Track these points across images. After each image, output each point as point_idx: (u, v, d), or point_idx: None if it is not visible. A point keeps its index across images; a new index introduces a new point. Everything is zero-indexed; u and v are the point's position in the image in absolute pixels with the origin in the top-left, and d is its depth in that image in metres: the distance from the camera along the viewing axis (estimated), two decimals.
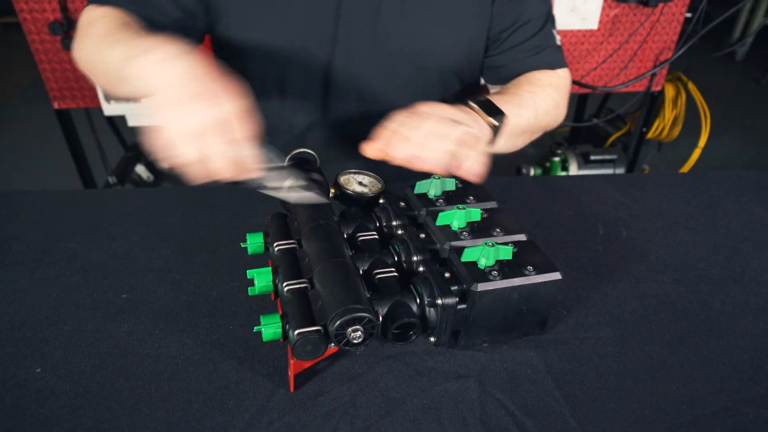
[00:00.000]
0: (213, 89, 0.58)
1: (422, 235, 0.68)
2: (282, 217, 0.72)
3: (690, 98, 2.31)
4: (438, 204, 0.71)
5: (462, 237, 0.65)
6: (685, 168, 2.40)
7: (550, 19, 0.94)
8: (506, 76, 0.94)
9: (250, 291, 0.65)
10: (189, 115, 0.57)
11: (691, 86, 2.27)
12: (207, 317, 0.69)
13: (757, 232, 0.89)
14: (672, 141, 2.47)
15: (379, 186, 0.77)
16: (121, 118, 2.09)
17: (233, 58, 0.90)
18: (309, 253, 0.63)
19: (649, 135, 2.41)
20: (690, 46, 1.93)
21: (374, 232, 0.70)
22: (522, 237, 0.67)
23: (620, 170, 2.37)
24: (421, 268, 0.64)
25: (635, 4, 1.85)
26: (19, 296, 0.73)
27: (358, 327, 0.54)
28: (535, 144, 1.00)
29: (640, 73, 2.01)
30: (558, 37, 0.95)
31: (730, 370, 0.64)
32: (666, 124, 2.39)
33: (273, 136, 0.99)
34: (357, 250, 0.67)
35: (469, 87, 0.99)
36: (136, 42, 0.66)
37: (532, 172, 2.41)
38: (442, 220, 0.66)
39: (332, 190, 0.76)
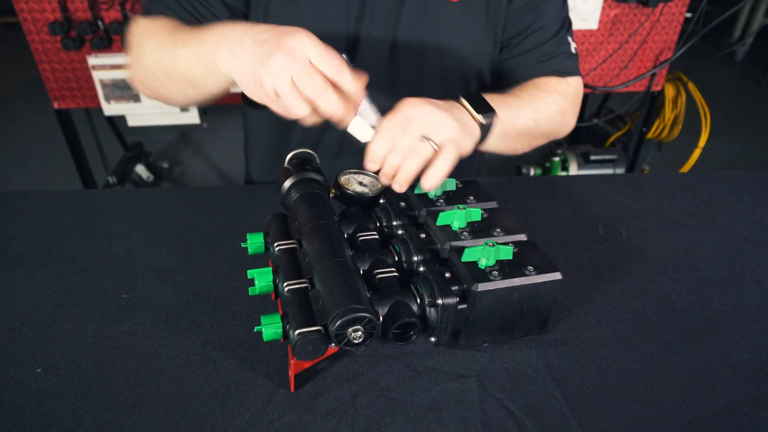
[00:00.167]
0: (282, 38, 0.59)
1: (422, 235, 0.68)
2: (282, 217, 0.72)
3: (690, 98, 2.31)
4: (438, 204, 0.71)
5: (462, 237, 0.65)
6: (685, 168, 2.40)
7: (565, 26, 0.92)
8: (515, 81, 0.92)
9: (251, 291, 0.65)
10: (279, 70, 0.58)
11: (691, 86, 2.27)
12: (207, 317, 0.69)
13: (757, 232, 0.89)
14: (672, 141, 2.47)
15: (380, 186, 0.77)
16: (121, 118, 2.09)
17: None
18: (309, 253, 0.63)
19: (649, 135, 2.41)
20: (690, 46, 1.93)
21: (374, 232, 0.70)
22: (522, 237, 0.67)
23: (620, 170, 2.38)
24: (421, 268, 0.64)
25: (635, 4, 1.86)
26: (19, 296, 0.73)
27: (358, 327, 0.54)
28: None
29: (640, 73, 2.01)
30: (573, 45, 0.93)
31: (730, 370, 0.64)
32: (666, 124, 2.39)
33: (288, 137, 1.00)
34: (357, 250, 0.67)
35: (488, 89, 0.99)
36: (197, 35, 0.70)
37: (532, 172, 2.41)
38: (442, 220, 0.67)
39: (332, 190, 0.76)
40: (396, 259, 0.67)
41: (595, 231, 0.88)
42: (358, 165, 1.00)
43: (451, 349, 0.65)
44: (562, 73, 0.91)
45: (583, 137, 2.63)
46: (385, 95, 0.92)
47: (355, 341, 0.55)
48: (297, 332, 0.54)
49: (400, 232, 0.71)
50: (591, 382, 0.62)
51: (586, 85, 1.98)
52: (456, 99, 0.73)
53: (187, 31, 0.73)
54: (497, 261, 0.61)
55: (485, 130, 0.72)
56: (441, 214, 0.67)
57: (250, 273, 0.65)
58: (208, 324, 0.68)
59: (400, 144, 0.63)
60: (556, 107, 0.86)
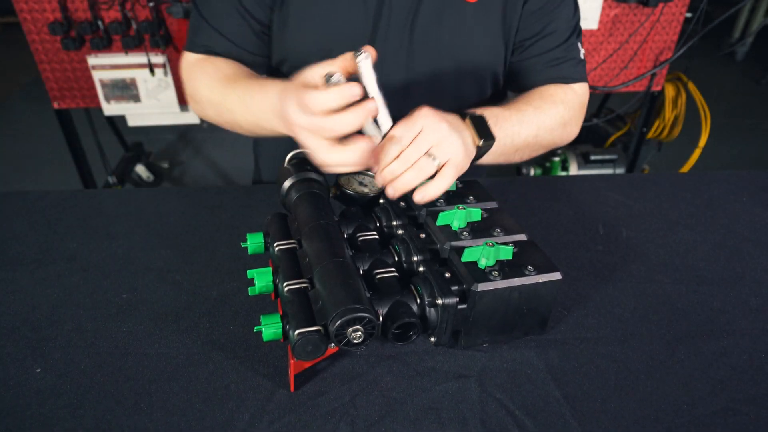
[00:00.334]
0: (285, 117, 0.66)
1: (422, 235, 0.68)
2: (282, 217, 0.72)
3: (690, 98, 2.31)
4: (438, 204, 0.71)
5: (462, 237, 0.65)
6: (685, 168, 2.40)
7: (575, 32, 0.92)
8: (522, 85, 0.93)
9: (250, 291, 0.65)
10: (304, 143, 0.65)
11: (691, 86, 2.27)
12: (207, 317, 0.69)
13: (757, 232, 0.89)
14: (672, 141, 2.47)
15: (380, 186, 0.76)
16: (121, 118, 2.09)
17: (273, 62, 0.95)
18: (309, 253, 0.63)
19: (649, 135, 2.41)
20: (690, 46, 1.93)
21: (374, 232, 0.70)
22: (522, 237, 0.67)
23: (620, 170, 2.38)
24: (421, 268, 0.64)
25: (635, 4, 1.86)
26: (19, 296, 0.73)
27: (358, 327, 0.54)
28: None
29: (640, 73, 2.01)
30: (582, 51, 0.93)
31: (730, 370, 0.64)
32: (666, 124, 2.39)
33: None
34: (357, 250, 0.67)
35: (500, 90, 0.99)
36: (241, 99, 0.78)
37: (532, 172, 2.41)
38: (442, 220, 0.67)
39: (332, 190, 0.76)
40: (396, 259, 0.67)
41: (595, 231, 0.88)
42: None
43: (451, 349, 0.65)
44: (570, 79, 0.90)
45: (583, 137, 2.63)
46: (399, 94, 0.93)
47: (355, 341, 0.55)
48: (297, 332, 0.54)
49: (400, 232, 0.71)
50: (591, 382, 0.62)
51: None
52: (462, 115, 0.73)
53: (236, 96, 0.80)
54: (497, 261, 0.61)
55: (481, 152, 0.73)
56: (441, 214, 0.67)
57: (250, 273, 0.65)
58: (208, 324, 0.68)
59: (407, 155, 0.64)
60: (559, 119, 0.86)
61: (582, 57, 0.93)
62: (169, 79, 1.86)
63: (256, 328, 0.58)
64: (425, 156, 0.64)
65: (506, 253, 0.61)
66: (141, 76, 1.84)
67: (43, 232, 0.85)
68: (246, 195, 0.95)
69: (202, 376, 0.62)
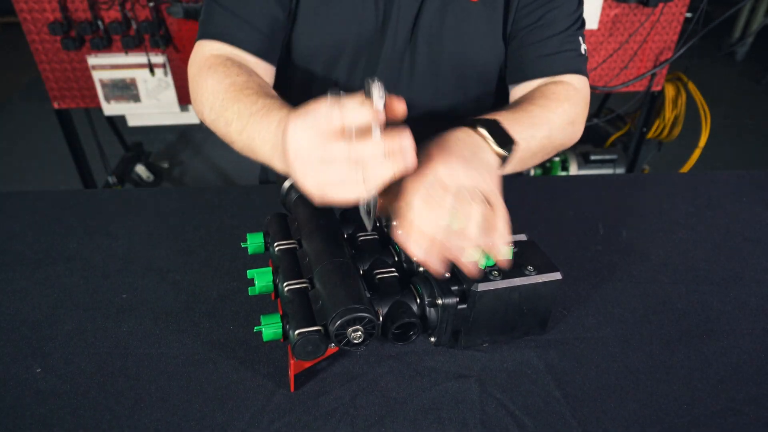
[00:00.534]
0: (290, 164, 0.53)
1: None
2: (282, 217, 0.72)
3: (690, 98, 2.31)
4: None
5: None
6: (685, 168, 2.40)
7: (576, 24, 0.88)
8: (519, 76, 0.89)
9: (250, 291, 0.65)
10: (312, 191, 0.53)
11: (691, 86, 2.27)
12: (207, 317, 0.69)
13: (757, 232, 0.89)
14: (672, 141, 2.47)
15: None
16: (121, 118, 2.10)
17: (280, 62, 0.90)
18: (309, 253, 0.63)
19: (649, 135, 2.41)
20: (690, 46, 1.93)
21: (374, 232, 0.70)
22: (522, 237, 0.67)
23: (620, 170, 2.38)
24: (421, 268, 0.64)
25: (635, 4, 1.85)
26: (19, 296, 0.73)
27: (358, 327, 0.54)
28: None
29: (640, 73, 2.01)
30: (584, 47, 0.89)
31: (730, 370, 0.64)
32: (666, 124, 2.39)
33: None
34: (357, 250, 0.67)
35: (502, 91, 0.97)
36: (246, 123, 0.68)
37: (532, 172, 2.41)
38: None
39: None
40: (396, 259, 0.67)
41: (595, 231, 0.88)
42: None
43: (451, 349, 0.65)
44: (569, 70, 0.86)
45: (583, 137, 2.61)
46: (402, 93, 0.93)
47: (355, 341, 0.55)
48: (297, 332, 0.54)
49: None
50: (591, 382, 0.62)
51: None
52: (471, 124, 0.66)
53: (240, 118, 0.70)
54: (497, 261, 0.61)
55: (504, 161, 0.67)
56: None
57: (250, 273, 0.65)
58: (208, 324, 0.68)
59: (445, 203, 0.55)
60: (567, 118, 0.82)
61: (583, 51, 0.89)
62: (169, 79, 1.86)
63: (256, 328, 0.58)
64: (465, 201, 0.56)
65: (506, 253, 0.61)
66: (141, 76, 1.84)
67: (43, 232, 0.85)
68: (246, 195, 0.95)
69: (202, 376, 0.62)
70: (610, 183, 1.03)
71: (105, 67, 1.81)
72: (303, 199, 0.70)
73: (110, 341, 0.66)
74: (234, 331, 0.67)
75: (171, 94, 1.89)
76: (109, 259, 0.79)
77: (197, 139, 3.04)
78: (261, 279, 0.64)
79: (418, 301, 0.60)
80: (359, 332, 0.54)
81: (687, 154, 2.39)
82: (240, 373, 0.62)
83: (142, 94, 1.88)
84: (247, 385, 0.61)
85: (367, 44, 0.87)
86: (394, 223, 0.58)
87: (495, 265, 0.61)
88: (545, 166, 2.43)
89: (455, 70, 0.91)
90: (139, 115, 1.98)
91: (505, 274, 0.60)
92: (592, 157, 2.37)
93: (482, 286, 0.58)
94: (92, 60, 1.79)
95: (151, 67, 1.82)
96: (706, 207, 0.95)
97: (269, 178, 1.14)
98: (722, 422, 0.58)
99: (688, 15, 1.92)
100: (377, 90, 0.49)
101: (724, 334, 0.69)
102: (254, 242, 0.70)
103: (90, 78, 1.83)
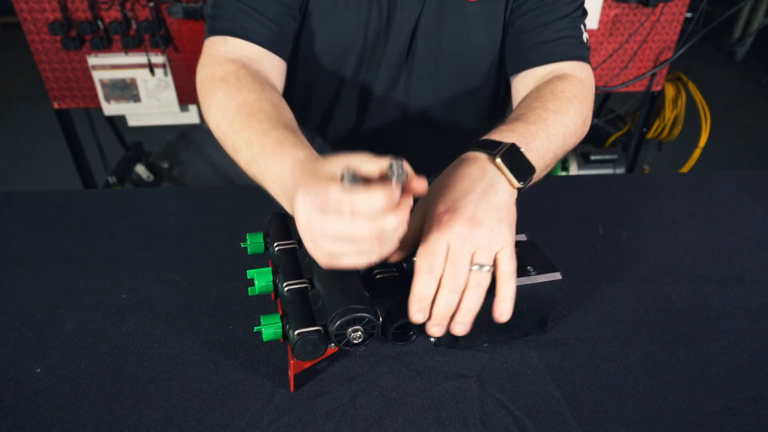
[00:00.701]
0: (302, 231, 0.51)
1: None
2: (282, 217, 0.72)
3: (690, 98, 2.31)
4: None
5: None
6: (685, 168, 2.40)
7: (578, 11, 0.84)
8: (521, 65, 0.86)
9: (250, 291, 0.65)
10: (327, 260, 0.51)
11: (691, 86, 2.27)
12: (207, 317, 0.69)
13: (758, 232, 0.89)
14: (672, 141, 2.47)
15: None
16: (121, 118, 2.10)
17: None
18: (309, 253, 0.63)
19: (649, 135, 2.41)
20: (690, 46, 1.93)
21: None
22: (522, 237, 0.67)
23: (620, 170, 2.38)
24: None
25: (635, 4, 1.85)
26: (19, 296, 0.73)
27: (358, 327, 0.54)
28: None
29: (640, 73, 2.01)
30: (586, 35, 0.86)
31: (730, 370, 0.64)
32: (666, 124, 2.39)
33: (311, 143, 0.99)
34: None
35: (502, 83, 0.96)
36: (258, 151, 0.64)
37: None
38: None
39: None
40: None
41: (595, 231, 0.88)
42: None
43: (451, 349, 0.65)
44: (573, 57, 0.82)
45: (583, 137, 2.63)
46: (401, 94, 0.93)
47: (355, 341, 0.55)
48: (297, 332, 0.54)
49: None
50: (591, 382, 0.62)
51: None
52: (489, 152, 0.62)
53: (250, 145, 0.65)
54: None
55: (522, 192, 0.63)
56: None
57: (250, 273, 0.65)
58: (208, 324, 0.68)
59: (451, 281, 0.54)
60: (580, 118, 0.77)
61: (585, 40, 0.85)
62: (169, 79, 1.86)
63: (255, 329, 0.58)
64: (473, 270, 0.55)
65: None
66: (141, 76, 1.84)
67: (43, 232, 0.85)
68: (246, 195, 0.95)
69: (202, 376, 0.62)
70: (610, 183, 1.03)
71: (105, 67, 1.81)
72: None
73: (110, 341, 0.66)
74: (234, 331, 0.67)
75: (171, 94, 1.89)
76: (109, 259, 0.79)
77: (197, 139, 3.04)
78: (261, 279, 0.64)
79: None
80: (359, 332, 0.54)
81: (687, 154, 2.39)
82: (240, 373, 0.62)
83: (142, 94, 1.88)
84: (247, 385, 0.60)
85: (371, 46, 0.87)
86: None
87: None
88: None
89: (455, 68, 0.91)
90: (139, 115, 1.98)
91: None
92: (592, 157, 2.37)
93: None
94: (92, 60, 1.79)
95: (151, 67, 1.82)
96: (706, 207, 0.95)
97: None
98: (722, 422, 0.58)
99: (688, 15, 1.92)
100: (400, 170, 0.46)
101: (724, 334, 0.69)
102: (254, 242, 0.70)
103: (90, 78, 1.83)
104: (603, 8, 1.86)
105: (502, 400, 0.59)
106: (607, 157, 2.38)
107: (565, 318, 0.71)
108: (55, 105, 1.91)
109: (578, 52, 0.83)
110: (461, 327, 0.57)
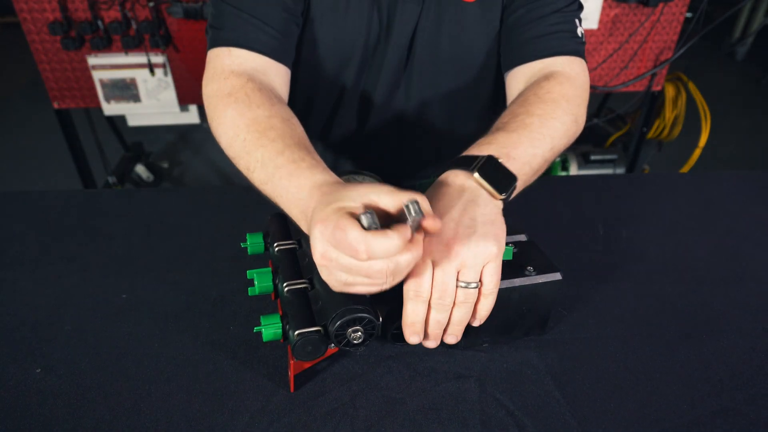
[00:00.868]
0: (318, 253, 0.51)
1: None
2: (282, 217, 0.72)
3: (690, 98, 2.31)
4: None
5: None
6: (685, 168, 2.40)
7: (573, 5, 0.82)
8: (514, 60, 0.84)
9: (250, 291, 0.65)
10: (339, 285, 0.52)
11: (691, 86, 2.27)
12: (207, 317, 0.69)
13: (758, 232, 0.89)
14: (672, 141, 2.47)
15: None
16: (121, 118, 2.09)
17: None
18: (309, 253, 0.63)
19: (650, 135, 2.41)
20: (690, 46, 1.93)
21: None
22: (522, 237, 0.67)
23: (620, 170, 2.38)
24: None
25: (635, 4, 1.85)
26: (19, 296, 0.73)
27: (358, 327, 0.54)
28: None
29: (640, 73, 2.01)
30: (581, 29, 0.83)
31: (730, 370, 0.64)
32: (666, 124, 2.39)
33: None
34: None
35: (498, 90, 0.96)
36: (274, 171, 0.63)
37: None
38: None
39: None
40: None
41: (595, 231, 0.88)
42: (358, 165, 0.99)
43: (451, 349, 0.65)
44: (566, 51, 0.80)
45: (583, 137, 2.62)
46: (402, 90, 0.93)
47: (355, 342, 0.55)
48: (297, 333, 0.54)
49: None
50: (591, 382, 0.62)
51: None
52: (467, 168, 0.62)
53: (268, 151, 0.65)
54: None
55: (507, 200, 0.63)
56: None
57: (250, 273, 0.65)
58: (208, 324, 0.68)
59: (439, 300, 0.55)
60: (568, 118, 0.75)
61: (580, 34, 0.83)
62: (169, 79, 1.86)
63: (255, 329, 0.58)
64: (459, 288, 0.56)
65: (506, 253, 0.61)
66: (141, 76, 1.84)
67: (43, 232, 0.85)
68: (246, 195, 0.95)
69: (202, 376, 0.62)
70: (610, 183, 1.03)
71: (105, 67, 1.81)
72: None
73: (110, 341, 0.66)
74: (234, 331, 0.67)
75: (171, 94, 1.89)
76: (109, 259, 0.79)
77: (197, 139, 3.04)
78: (261, 279, 0.64)
79: None
80: (359, 333, 0.54)
81: (687, 154, 2.39)
82: (240, 373, 0.62)
83: (142, 94, 1.88)
84: (246, 386, 0.61)
85: (372, 50, 0.87)
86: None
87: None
88: None
89: (454, 69, 0.91)
90: (139, 115, 1.98)
91: (505, 274, 0.60)
92: (592, 157, 2.37)
93: None
94: (92, 60, 1.79)
95: (151, 67, 1.82)
96: (706, 207, 0.95)
97: None
98: (722, 422, 0.58)
99: (688, 15, 1.92)
100: (417, 208, 0.48)
101: (724, 334, 0.69)
102: (254, 242, 0.70)
103: (90, 78, 1.83)
104: (603, 8, 1.85)
105: (502, 400, 0.59)
106: (607, 157, 2.38)
107: (565, 318, 0.71)
108: (55, 105, 1.90)
109: (572, 46, 0.81)
110: (452, 338, 0.59)
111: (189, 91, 1.91)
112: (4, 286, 0.74)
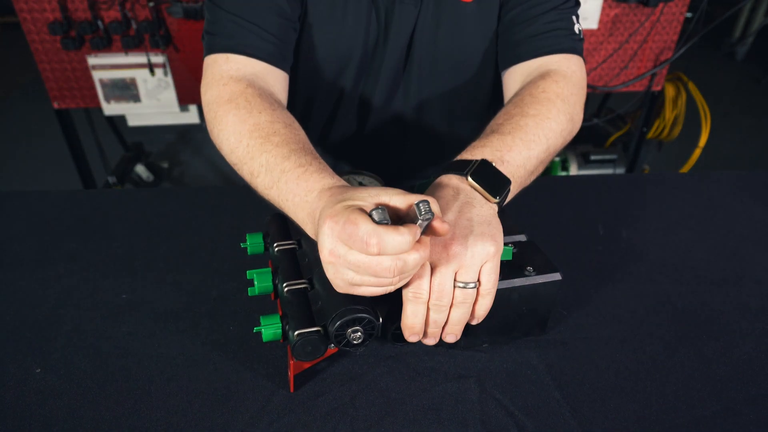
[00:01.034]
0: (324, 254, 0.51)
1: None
2: (282, 218, 0.72)
3: (690, 98, 2.31)
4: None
5: None
6: (685, 168, 2.40)
7: (570, 2, 0.82)
8: (511, 59, 0.84)
9: (250, 291, 0.65)
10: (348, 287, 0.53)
11: (691, 86, 2.27)
12: (207, 317, 0.69)
13: (757, 232, 0.89)
14: (672, 141, 2.47)
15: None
16: (121, 118, 2.09)
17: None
18: (309, 253, 0.63)
19: (650, 135, 2.41)
20: (690, 46, 1.93)
21: None
22: (522, 237, 0.67)
23: (620, 170, 2.38)
24: None
25: (635, 4, 1.85)
26: (19, 296, 0.73)
27: (358, 328, 0.54)
28: None
29: (640, 73, 2.01)
30: (578, 25, 0.82)
31: (730, 370, 0.64)
32: (666, 123, 2.38)
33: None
34: None
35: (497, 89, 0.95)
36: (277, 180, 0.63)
37: None
38: None
39: None
40: None
41: (595, 231, 0.88)
42: (358, 166, 0.99)
43: (451, 349, 0.65)
44: (563, 49, 0.80)
45: (583, 137, 2.63)
46: (401, 91, 0.93)
47: (355, 342, 0.55)
48: (296, 333, 0.54)
49: None
50: (591, 382, 0.62)
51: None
52: (460, 172, 0.62)
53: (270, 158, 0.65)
54: None
55: (503, 202, 0.63)
56: None
57: (250, 273, 0.64)
58: (208, 324, 0.68)
59: (438, 301, 0.55)
60: (564, 117, 0.75)
61: (577, 31, 0.82)
62: (169, 79, 1.86)
63: (255, 329, 0.58)
64: (457, 288, 0.55)
65: (506, 253, 0.61)
66: (141, 76, 1.84)
67: (43, 232, 0.85)
68: (246, 195, 0.95)
69: (202, 376, 0.62)
70: (610, 183, 1.03)
71: (105, 67, 1.81)
72: None
73: (110, 341, 0.66)
74: (234, 331, 0.67)
75: (171, 94, 1.89)
76: (109, 259, 0.79)
77: (197, 139, 3.04)
78: (260, 279, 0.64)
79: None
80: (359, 333, 0.54)
81: (687, 154, 2.39)
82: (240, 374, 0.62)
83: (142, 94, 1.88)
84: (246, 386, 0.61)
85: (371, 53, 0.87)
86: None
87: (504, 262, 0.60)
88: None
89: (452, 70, 0.91)
90: (139, 115, 1.98)
91: (504, 274, 0.60)
92: (592, 157, 2.37)
93: None
94: (92, 60, 1.79)
95: (151, 67, 1.82)
96: (706, 207, 0.95)
97: None
98: (722, 422, 0.58)
99: (688, 15, 1.92)
100: (427, 208, 0.48)
101: (724, 334, 0.69)
102: (254, 242, 0.70)
103: (90, 78, 1.83)
104: (603, 8, 1.85)
105: (502, 400, 0.59)
106: (607, 157, 2.38)
107: (565, 318, 0.71)
108: (55, 105, 1.90)
109: (569, 44, 0.81)
110: (451, 337, 0.59)
111: (189, 91, 1.91)
112: (4, 286, 0.74)
